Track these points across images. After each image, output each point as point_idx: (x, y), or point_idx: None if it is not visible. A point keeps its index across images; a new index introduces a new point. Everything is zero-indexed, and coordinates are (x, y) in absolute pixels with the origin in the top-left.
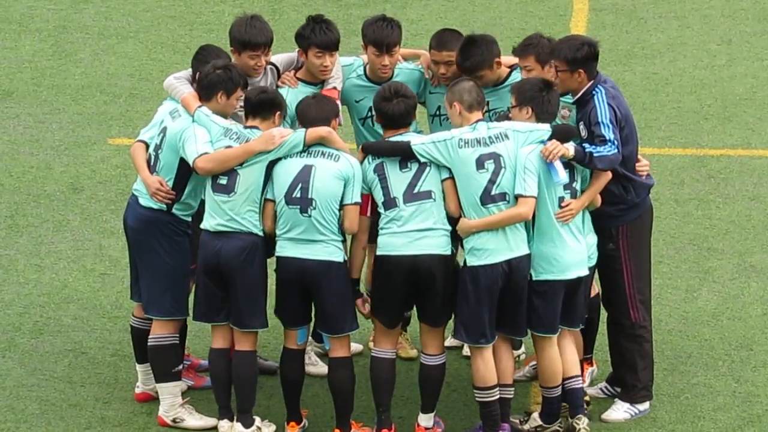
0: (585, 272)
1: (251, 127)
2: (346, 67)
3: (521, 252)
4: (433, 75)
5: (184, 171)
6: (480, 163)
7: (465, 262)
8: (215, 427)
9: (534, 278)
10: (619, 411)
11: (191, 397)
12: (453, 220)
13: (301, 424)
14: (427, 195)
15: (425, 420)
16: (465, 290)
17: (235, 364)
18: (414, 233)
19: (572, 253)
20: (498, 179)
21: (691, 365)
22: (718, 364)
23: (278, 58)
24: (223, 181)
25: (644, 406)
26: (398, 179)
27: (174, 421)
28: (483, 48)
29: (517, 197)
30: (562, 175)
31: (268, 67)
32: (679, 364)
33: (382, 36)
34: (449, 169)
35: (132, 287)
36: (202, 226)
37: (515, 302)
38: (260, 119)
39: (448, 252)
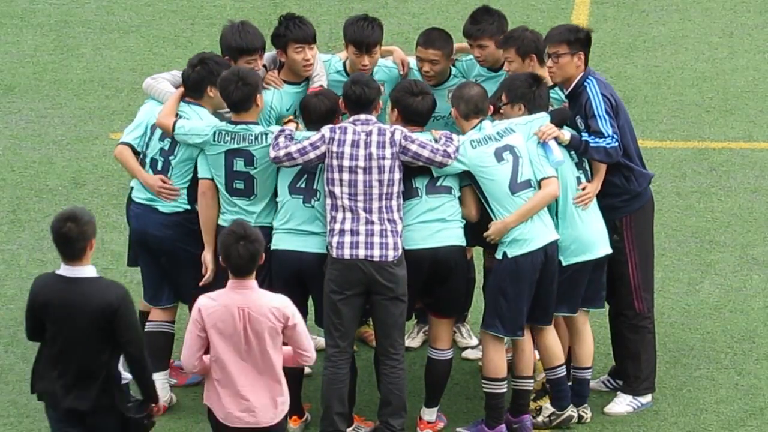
0: (609, 249)
1: (243, 123)
2: (325, 63)
3: (554, 236)
4: (406, 72)
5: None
6: (499, 156)
7: (504, 255)
8: None
9: (564, 263)
10: (622, 404)
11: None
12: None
13: (303, 418)
14: (448, 190)
15: (428, 414)
16: (503, 284)
17: None
18: (432, 224)
19: (595, 231)
20: (519, 168)
21: (693, 358)
22: (720, 357)
23: (265, 57)
24: (240, 185)
25: (647, 398)
26: (420, 171)
27: (169, 403)
28: (496, 17)
29: (540, 182)
30: (557, 154)
31: (261, 70)
32: (681, 357)
33: (362, 36)
34: (467, 176)
35: (156, 294)
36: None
37: (548, 291)
38: (243, 113)
39: (465, 243)
